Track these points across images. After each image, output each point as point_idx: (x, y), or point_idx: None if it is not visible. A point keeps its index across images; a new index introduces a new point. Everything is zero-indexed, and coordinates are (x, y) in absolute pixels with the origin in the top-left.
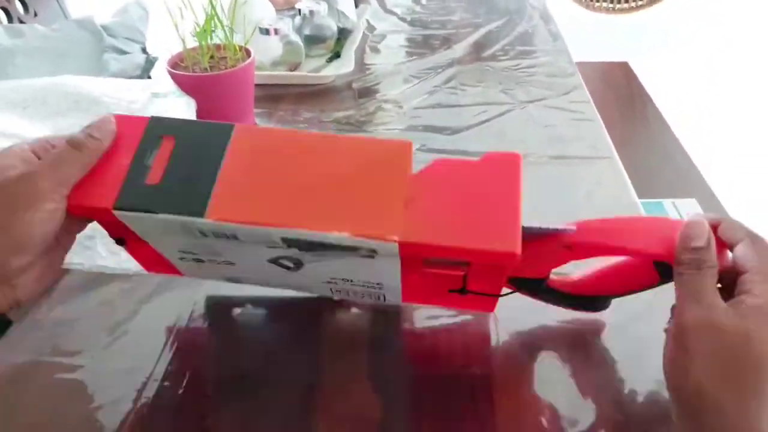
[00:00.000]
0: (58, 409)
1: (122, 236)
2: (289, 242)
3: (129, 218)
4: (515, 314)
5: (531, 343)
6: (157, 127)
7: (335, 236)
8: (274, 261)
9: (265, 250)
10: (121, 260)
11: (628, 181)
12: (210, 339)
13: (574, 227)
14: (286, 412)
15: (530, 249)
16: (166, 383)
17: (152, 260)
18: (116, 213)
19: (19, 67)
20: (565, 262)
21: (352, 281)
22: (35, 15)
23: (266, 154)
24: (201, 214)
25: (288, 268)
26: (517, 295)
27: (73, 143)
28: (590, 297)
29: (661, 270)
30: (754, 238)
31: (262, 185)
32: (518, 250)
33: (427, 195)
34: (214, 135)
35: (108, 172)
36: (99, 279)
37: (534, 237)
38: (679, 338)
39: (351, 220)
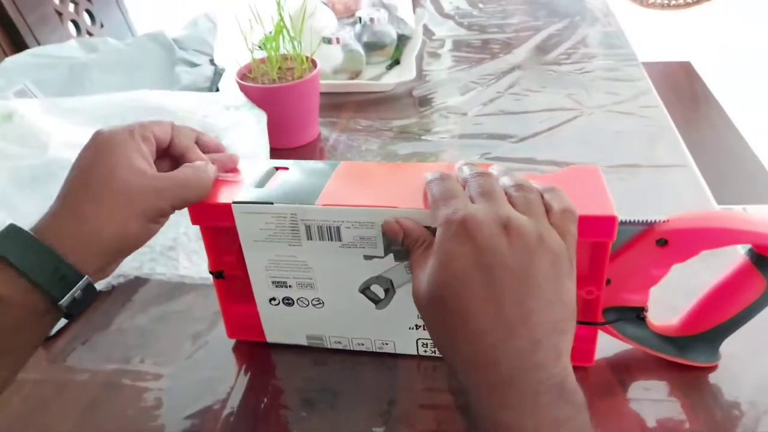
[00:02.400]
0: (145, 417)
1: (221, 268)
2: (388, 238)
3: (243, 214)
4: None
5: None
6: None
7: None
8: (366, 288)
9: (360, 263)
10: (201, 270)
11: (707, 190)
12: (288, 350)
13: (666, 218)
14: (365, 426)
15: (624, 253)
16: (248, 394)
17: (242, 319)
18: (234, 207)
19: (95, 81)
20: (664, 268)
21: None
22: (102, 26)
23: (366, 174)
24: (312, 202)
25: (377, 300)
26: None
27: (200, 172)
28: (697, 340)
29: (765, 270)
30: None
31: (364, 188)
32: (615, 213)
33: None
34: (321, 165)
35: (227, 185)
36: (179, 288)
37: (626, 235)
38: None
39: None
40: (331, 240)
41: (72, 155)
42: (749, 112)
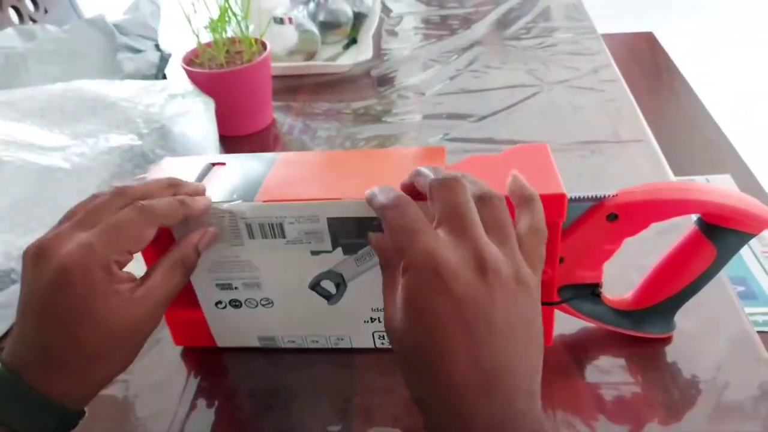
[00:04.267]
0: (95, 426)
1: None
2: (335, 232)
3: None
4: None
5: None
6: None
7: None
8: (316, 284)
9: (308, 259)
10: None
11: (666, 164)
12: (240, 351)
13: (615, 192)
14: (321, 424)
15: (575, 230)
16: (199, 398)
17: (188, 325)
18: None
19: (33, 72)
20: (616, 242)
21: None
22: (46, 12)
23: (307, 166)
24: (250, 199)
25: (329, 296)
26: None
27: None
28: (651, 312)
29: (714, 238)
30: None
31: (306, 180)
32: (564, 191)
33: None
34: (260, 158)
35: None
36: None
37: (576, 212)
38: None
39: None
40: (275, 237)
41: (3, 153)
42: (712, 82)
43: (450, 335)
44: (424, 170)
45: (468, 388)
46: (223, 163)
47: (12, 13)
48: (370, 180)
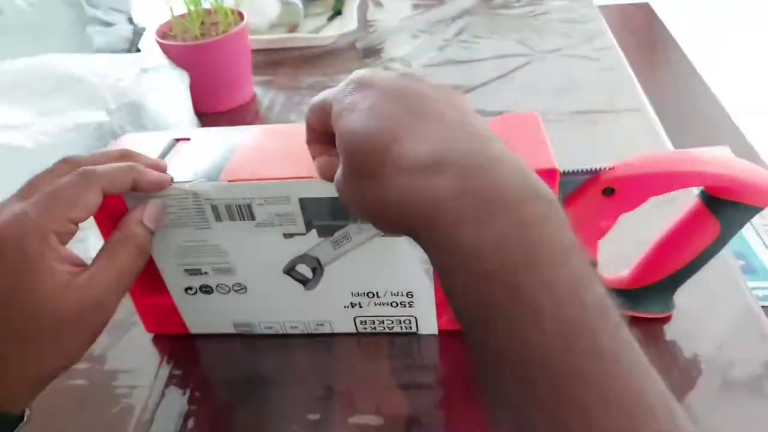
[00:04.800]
0: (63, 418)
1: None
2: (308, 213)
3: (136, 200)
4: None
5: None
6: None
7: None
8: (291, 269)
9: (281, 242)
10: None
11: (664, 135)
12: (214, 337)
13: (611, 165)
14: (299, 413)
15: (569, 206)
16: (171, 386)
17: (158, 311)
18: (131, 194)
19: None
20: (612, 218)
21: (378, 296)
22: None
23: (280, 140)
24: (215, 179)
25: (305, 281)
26: None
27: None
28: (650, 291)
29: (718, 212)
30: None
31: (277, 157)
32: (556, 165)
33: None
34: (228, 132)
35: None
36: None
37: (570, 186)
38: None
39: None
40: (243, 219)
41: None
42: (709, 53)
43: (384, 113)
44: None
45: (418, 145)
46: (188, 139)
47: None
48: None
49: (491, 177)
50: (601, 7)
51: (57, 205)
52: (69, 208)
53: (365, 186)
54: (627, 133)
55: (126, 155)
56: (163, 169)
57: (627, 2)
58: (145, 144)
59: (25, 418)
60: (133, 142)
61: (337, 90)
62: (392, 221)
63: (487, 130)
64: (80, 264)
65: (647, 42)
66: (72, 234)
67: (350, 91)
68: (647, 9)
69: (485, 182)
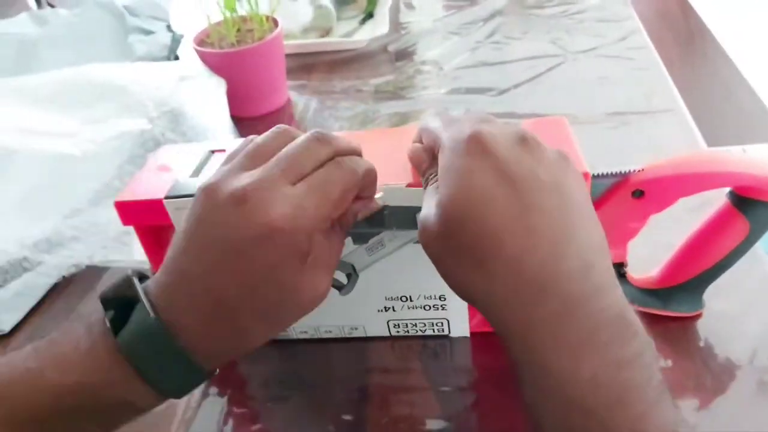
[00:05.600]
0: None
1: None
2: None
3: (178, 211)
4: None
5: None
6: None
7: (394, 188)
8: None
9: None
10: None
11: (699, 135)
12: None
13: (641, 167)
14: (335, 414)
15: (599, 208)
16: (211, 387)
17: None
18: (167, 203)
19: (45, 58)
20: (641, 220)
21: (411, 299)
22: None
23: None
24: None
25: (340, 287)
26: None
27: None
28: (680, 290)
29: (747, 211)
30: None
31: None
32: (587, 169)
33: None
34: None
35: (158, 177)
36: None
37: (600, 189)
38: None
39: (410, 174)
40: None
41: (15, 142)
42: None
43: (498, 198)
44: (430, 125)
45: (531, 255)
46: (224, 150)
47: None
48: (384, 162)
49: (592, 308)
50: (635, 0)
51: (327, 202)
52: (334, 208)
53: (467, 267)
54: (662, 134)
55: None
56: (360, 153)
57: None
58: (182, 155)
59: (216, 372)
60: (170, 153)
61: (453, 140)
62: (487, 313)
63: (597, 236)
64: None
65: (683, 35)
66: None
67: (465, 150)
68: (683, 2)
69: (586, 312)
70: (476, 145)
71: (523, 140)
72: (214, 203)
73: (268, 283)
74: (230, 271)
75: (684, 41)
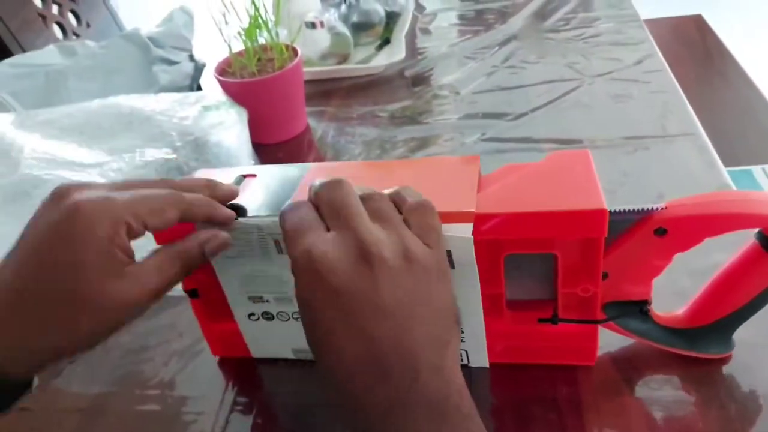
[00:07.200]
0: None
1: (195, 286)
2: None
3: None
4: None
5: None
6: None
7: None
8: None
9: None
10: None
11: (718, 161)
12: (276, 363)
13: (663, 205)
14: None
15: (621, 245)
16: (236, 411)
17: (224, 336)
18: (198, 226)
19: (72, 89)
20: (666, 258)
21: None
22: (88, 26)
23: (338, 175)
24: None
25: None
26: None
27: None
28: (707, 331)
29: None
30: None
31: None
32: (605, 206)
33: (499, 185)
34: (291, 170)
35: None
36: (164, 301)
37: (621, 226)
38: None
39: None
40: None
41: (43, 172)
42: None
43: (333, 330)
44: (314, 184)
45: (358, 377)
46: (254, 175)
47: (56, 28)
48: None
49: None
50: (650, 20)
51: (141, 205)
52: (150, 214)
53: (332, 331)
54: (680, 158)
55: (209, 185)
56: (236, 195)
57: (677, 14)
58: (217, 179)
59: (33, 389)
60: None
61: (293, 260)
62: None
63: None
64: (132, 256)
65: (701, 55)
66: (137, 236)
67: (306, 280)
68: (700, 21)
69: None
70: (313, 276)
71: (366, 258)
72: (44, 203)
73: (68, 267)
74: (36, 260)
75: (701, 61)
